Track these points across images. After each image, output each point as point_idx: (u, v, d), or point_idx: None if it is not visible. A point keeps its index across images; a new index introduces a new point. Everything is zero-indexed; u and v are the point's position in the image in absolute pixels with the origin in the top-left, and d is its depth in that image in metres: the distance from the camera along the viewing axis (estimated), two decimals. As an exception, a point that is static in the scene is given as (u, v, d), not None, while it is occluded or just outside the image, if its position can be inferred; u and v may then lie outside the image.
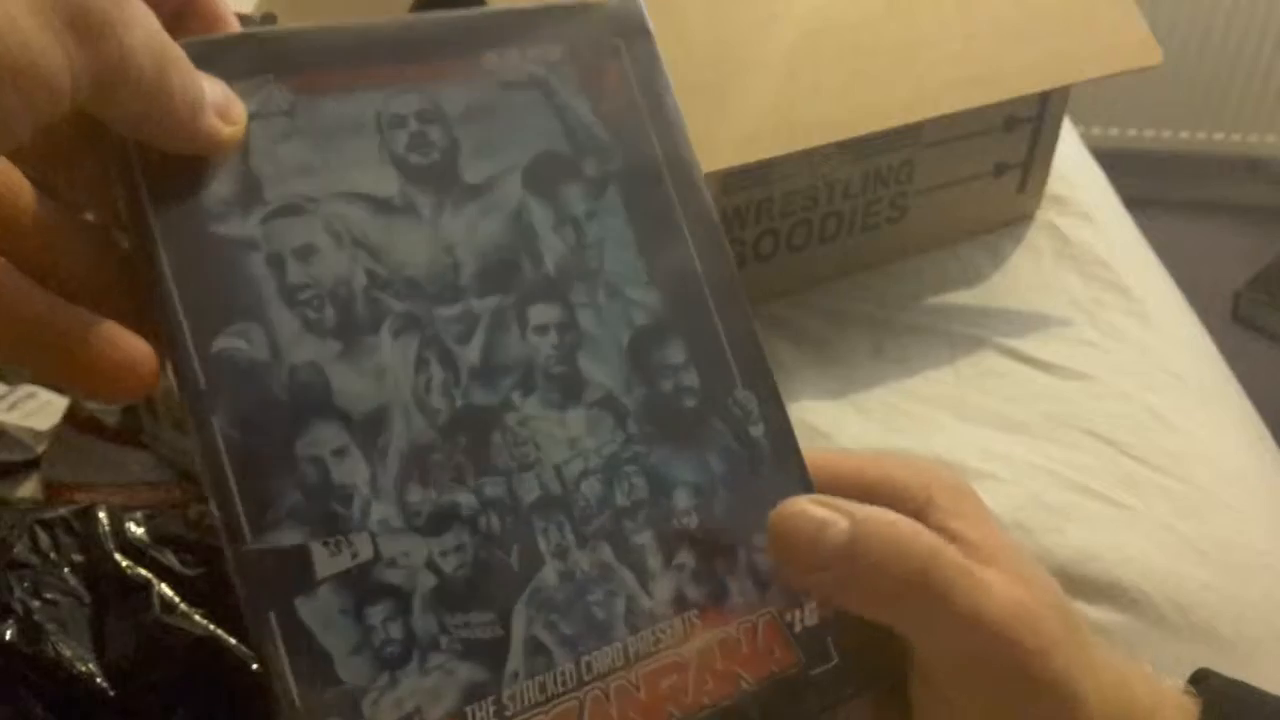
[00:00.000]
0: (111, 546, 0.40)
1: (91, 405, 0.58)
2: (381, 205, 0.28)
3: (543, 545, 0.27)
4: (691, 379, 0.30)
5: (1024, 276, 0.71)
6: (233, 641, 0.38)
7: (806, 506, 0.28)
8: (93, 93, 0.20)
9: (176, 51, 0.22)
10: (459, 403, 0.27)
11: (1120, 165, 1.07)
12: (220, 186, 0.26)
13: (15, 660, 0.36)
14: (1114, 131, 2.11)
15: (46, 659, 0.36)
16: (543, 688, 0.27)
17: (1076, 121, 0.95)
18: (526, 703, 0.26)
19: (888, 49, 0.60)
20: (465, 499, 0.27)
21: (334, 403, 0.26)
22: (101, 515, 0.40)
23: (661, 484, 0.29)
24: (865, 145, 0.64)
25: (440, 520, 0.26)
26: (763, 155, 0.54)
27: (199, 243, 0.25)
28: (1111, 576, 0.47)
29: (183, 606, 0.39)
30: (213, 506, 0.25)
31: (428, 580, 0.26)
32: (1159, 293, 0.74)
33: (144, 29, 0.21)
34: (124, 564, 0.39)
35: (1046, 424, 0.58)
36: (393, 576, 0.26)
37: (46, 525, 0.40)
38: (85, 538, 0.40)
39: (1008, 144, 0.71)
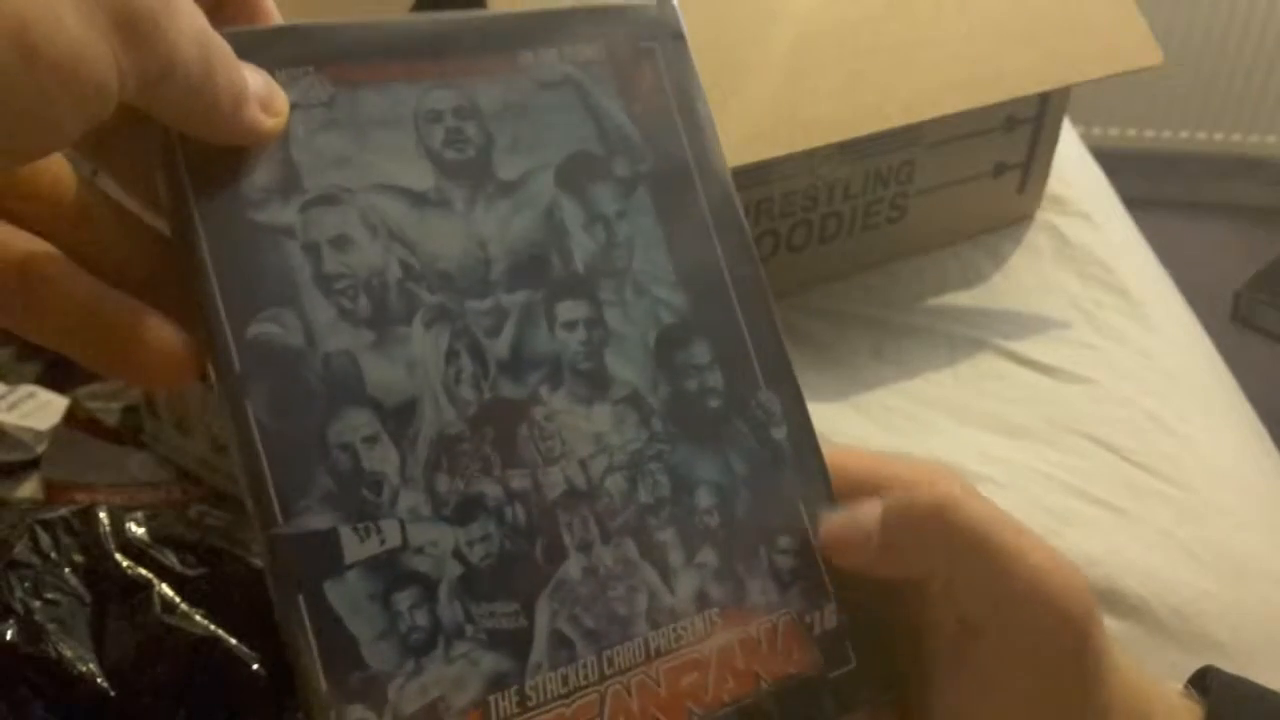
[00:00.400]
0: (112, 546, 0.40)
1: (92, 405, 0.58)
2: (417, 198, 0.28)
3: (567, 539, 0.28)
4: (716, 379, 0.31)
5: (1024, 277, 0.71)
6: (233, 641, 0.38)
7: (841, 517, 0.30)
8: (140, 90, 0.20)
9: (221, 45, 0.22)
10: (487, 395, 0.28)
11: (1120, 165, 1.08)
12: (260, 174, 0.26)
13: (16, 660, 0.36)
14: (1114, 131, 2.11)
15: (47, 659, 0.36)
16: (565, 680, 0.27)
17: (1076, 122, 0.95)
18: (549, 695, 0.27)
19: (888, 49, 0.60)
20: (492, 490, 0.27)
21: (366, 391, 0.26)
22: (102, 515, 0.40)
23: (684, 482, 0.29)
24: (865, 146, 0.64)
25: (467, 510, 0.27)
26: (763, 155, 0.55)
27: (238, 229, 0.25)
28: (1111, 583, 0.47)
29: (183, 606, 0.39)
30: (244, 490, 0.25)
31: (454, 569, 0.26)
32: (1159, 295, 0.74)
33: (190, 25, 0.21)
34: (124, 564, 0.39)
35: (1046, 428, 0.58)
36: (420, 564, 0.26)
37: (47, 525, 0.40)
38: (86, 538, 0.40)
39: (1008, 144, 0.71)
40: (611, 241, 0.30)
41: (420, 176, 0.28)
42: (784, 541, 0.30)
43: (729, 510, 0.30)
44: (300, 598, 0.24)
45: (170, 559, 0.40)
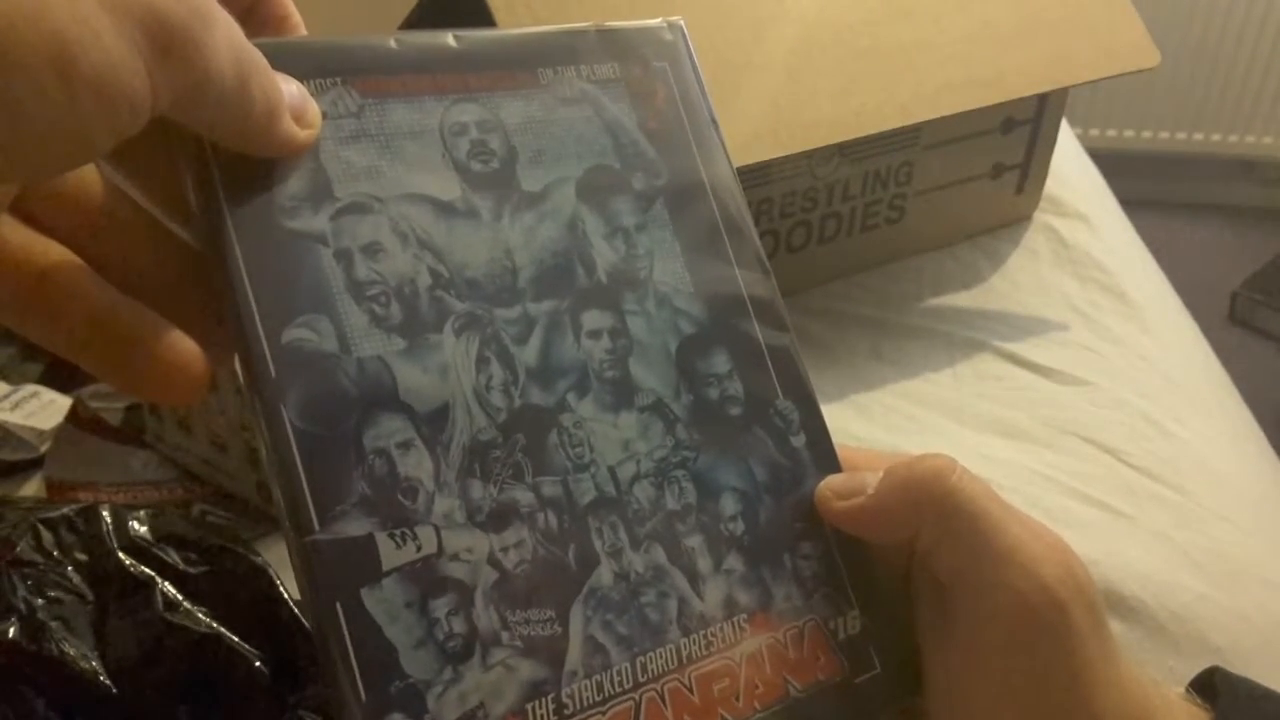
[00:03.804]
0: (114, 545, 0.40)
1: (95, 405, 0.58)
2: (444, 208, 0.28)
3: (598, 545, 0.28)
4: (736, 388, 0.31)
5: (1022, 279, 0.71)
6: (235, 639, 0.38)
7: (841, 474, 0.31)
8: (174, 105, 0.20)
9: (256, 57, 0.22)
10: (517, 402, 0.28)
11: (1117, 167, 1.08)
12: (292, 183, 0.26)
13: (18, 658, 0.36)
14: (1111, 133, 2.12)
15: (49, 657, 0.37)
16: (600, 687, 0.27)
17: (1074, 123, 0.95)
18: (585, 702, 0.27)
19: (887, 51, 0.60)
20: (524, 496, 0.27)
21: (399, 397, 0.26)
22: (105, 514, 0.40)
23: (709, 489, 0.30)
24: (864, 147, 0.65)
25: (501, 516, 0.27)
26: (762, 157, 0.55)
27: (271, 236, 0.26)
28: (1110, 585, 0.47)
29: (186, 605, 0.39)
30: (277, 496, 0.24)
31: (489, 575, 0.26)
32: (1156, 297, 0.74)
33: (227, 41, 0.21)
34: (127, 562, 0.39)
35: (1045, 430, 0.58)
36: (456, 570, 0.26)
37: (50, 524, 0.40)
38: (88, 536, 0.40)
39: (1006, 146, 0.72)
40: (632, 253, 0.31)
41: (447, 187, 0.28)
42: (806, 548, 0.31)
43: (753, 517, 0.30)
44: (338, 605, 0.24)
45: (173, 557, 0.40)
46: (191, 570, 0.40)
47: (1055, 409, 0.59)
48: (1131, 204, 0.88)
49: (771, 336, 0.32)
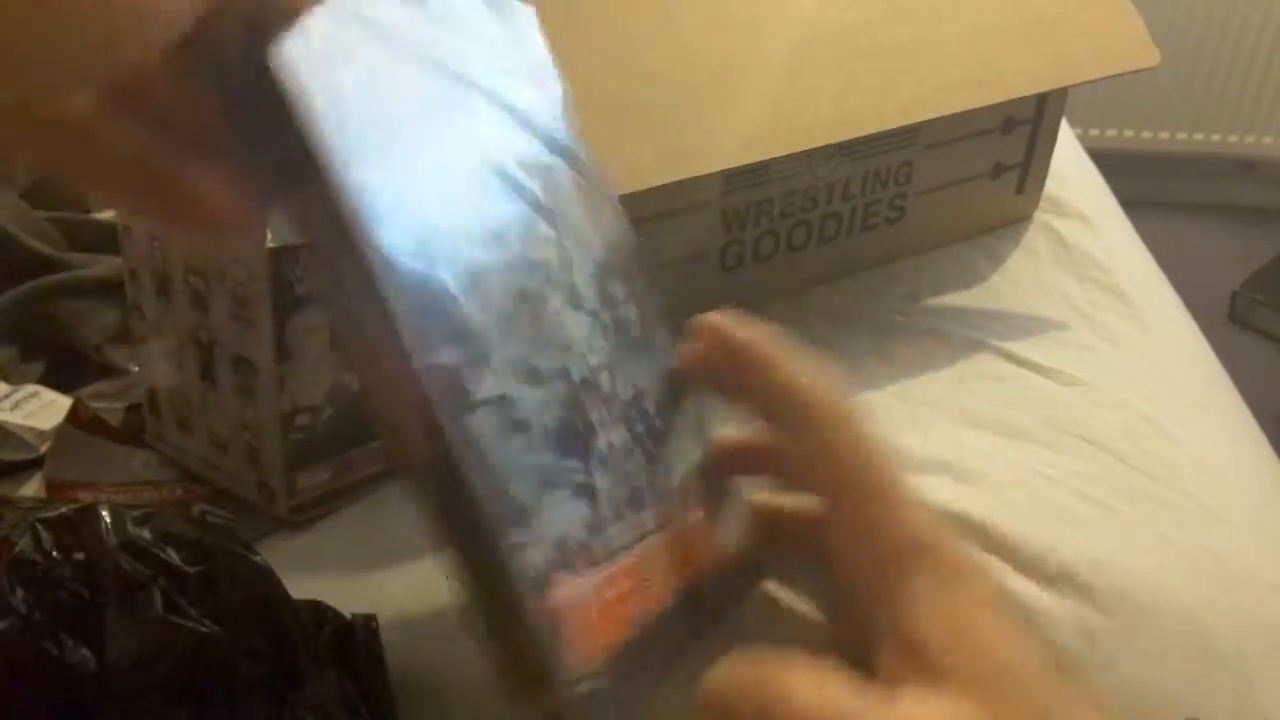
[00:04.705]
0: (113, 545, 0.40)
1: (95, 405, 0.58)
2: None
3: (593, 416, 0.31)
4: (630, 311, 0.35)
5: (1022, 279, 0.71)
6: (235, 640, 0.38)
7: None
8: None
9: None
10: (516, 285, 0.30)
11: (1118, 166, 1.08)
12: None
13: (16, 658, 0.36)
14: (1111, 133, 2.12)
15: (49, 657, 0.37)
16: (621, 535, 0.30)
17: (1074, 123, 0.95)
18: (617, 545, 0.30)
19: (886, 50, 0.60)
20: (544, 363, 0.30)
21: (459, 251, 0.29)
22: (104, 514, 0.40)
23: (634, 386, 0.33)
24: (864, 146, 0.65)
25: (535, 375, 0.29)
26: (762, 156, 0.55)
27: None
28: (1109, 584, 0.47)
29: (185, 605, 0.39)
30: (375, 329, 0.26)
31: (540, 423, 0.29)
32: (1156, 297, 0.74)
33: None
34: (126, 562, 0.39)
35: (1045, 430, 0.58)
36: (521, 413, 0.28)
37: (49, 524, 0.40)
38: (87, 536, 0.40)
39: (1006, 145, 0.72)
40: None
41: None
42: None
43: (663, 412, 0.34)
44: (451, 425, 0.26)
45: (172, 557, 0.40)
46: (191, 570, 0.40)
47: (1055, 409, 0.59)
48: (1131, 204, 0.88)
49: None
